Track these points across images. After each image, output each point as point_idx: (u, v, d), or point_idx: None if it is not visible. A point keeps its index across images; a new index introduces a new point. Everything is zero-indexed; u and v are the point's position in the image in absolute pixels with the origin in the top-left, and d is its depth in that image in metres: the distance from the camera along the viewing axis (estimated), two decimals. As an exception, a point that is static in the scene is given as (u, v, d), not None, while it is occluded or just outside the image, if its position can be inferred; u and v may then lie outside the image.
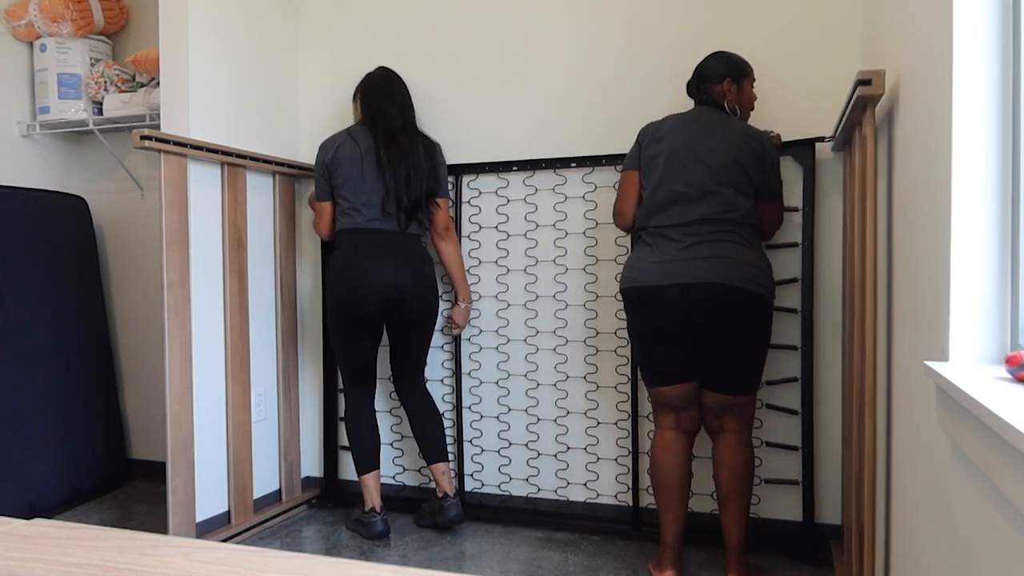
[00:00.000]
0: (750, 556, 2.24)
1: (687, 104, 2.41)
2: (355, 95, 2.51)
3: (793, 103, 2.30)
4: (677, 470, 2.01)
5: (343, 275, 2.32)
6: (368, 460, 2.45)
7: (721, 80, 2.06)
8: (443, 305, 2.70)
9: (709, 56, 2.10)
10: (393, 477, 2.80)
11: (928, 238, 1.21)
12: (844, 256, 2.26)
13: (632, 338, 2.05)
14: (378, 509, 2.43)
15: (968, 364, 1.04)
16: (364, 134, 2.38)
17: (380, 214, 2.34)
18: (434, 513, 2.49)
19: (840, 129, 1.93)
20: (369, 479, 2.44)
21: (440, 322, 2.70)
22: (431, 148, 2.43)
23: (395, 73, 2.50)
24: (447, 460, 2.46)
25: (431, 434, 2.46)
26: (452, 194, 2.67)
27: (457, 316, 2.54)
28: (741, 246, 1.91)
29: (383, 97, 2.43)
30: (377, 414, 2.80)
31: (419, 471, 2.77)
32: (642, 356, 2.02)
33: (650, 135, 2.06)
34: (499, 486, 2.66)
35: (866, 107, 1.64)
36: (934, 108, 1.18)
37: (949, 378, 0.91)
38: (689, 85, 2.13)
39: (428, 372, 2.73)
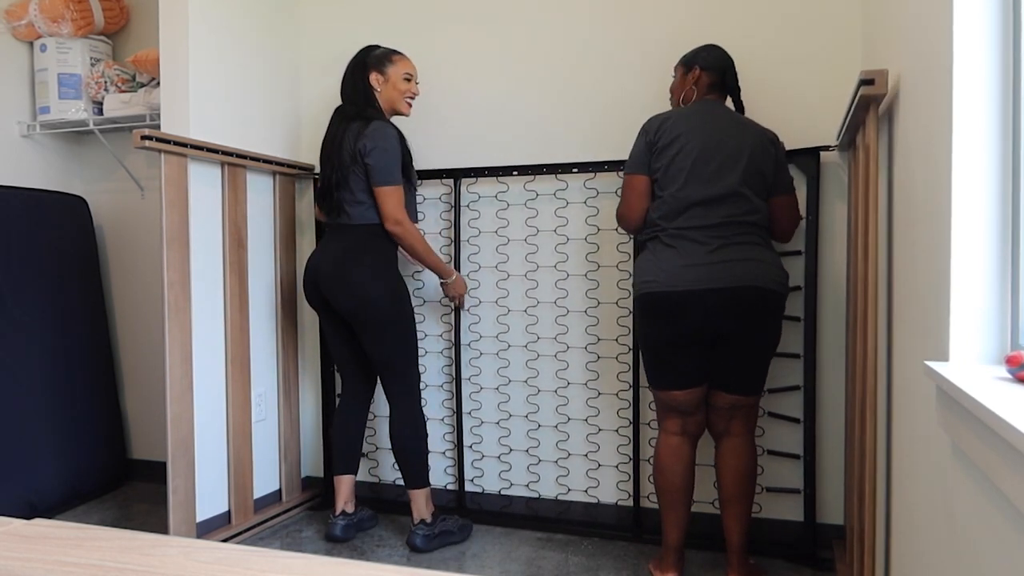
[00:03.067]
0: (751, 557, 2.24)
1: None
2: None
3: (793, 105, 2.30)
4: (683, 474, 1.99)
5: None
6: (340, 463, 2.42)
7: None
8: (441, 311, 2.69)
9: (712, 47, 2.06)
10: (394, 481, 2.80)
11: (928, 237, 1.21)
12: (848, 258, 2.26)
13: (647, 343, 1.97)
14: (336, 512, 2.41)
15: (968, 364, 1.04)
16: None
17: (320, 203, 2.35)
18: None
19: (844, 130, 1.92)
20: (339, 481, 2.42)
21: (439, 319, 2.70)
22: (374, 131, 2.22)
23: (362, 52, 2.38)
24: (416, 487, 2.33)
25: (399, 459, 2.34)
26: (451, 198, 2.67)
27: (446, 290, 2.46)
28: (763, 247, 1.91)
29: (344, 81, 2.38)
30: (377, 419, 2.80)
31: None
32: (656, 361, 1.96)
33: (656, 134, 1.97)
34: (499, 492, 2.66)
35: (869, 107, 1.64)
36: (934, 108, 1.18)
37: (949, 378, 0.91)
38: (713, 78, 2.04)
39: (428, 378, 2.72)
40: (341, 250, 2.27)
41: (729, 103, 2.14)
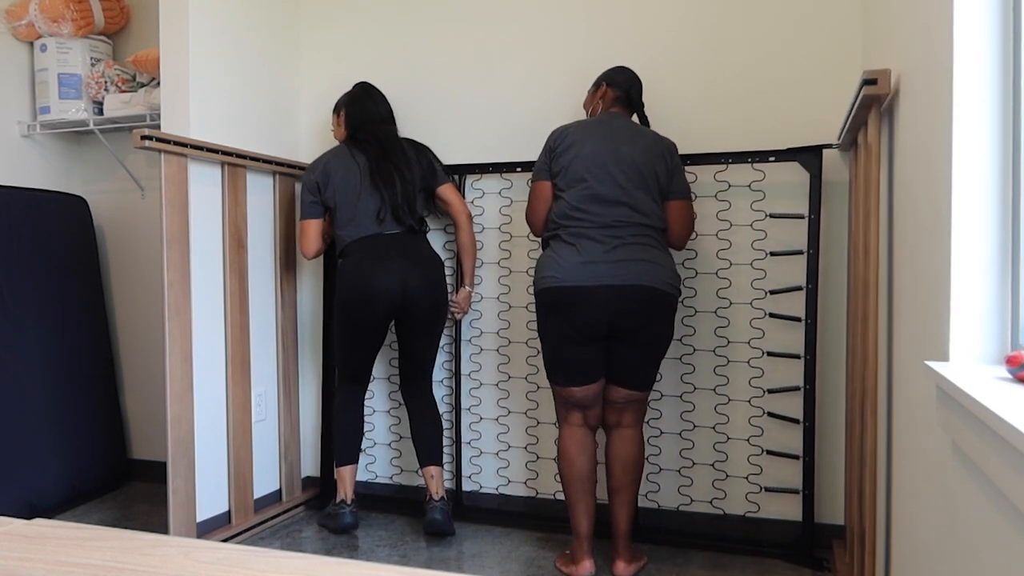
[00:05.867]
0: (633, 543, 2.24)
1: (685, 105, 2.41)
2: (336, 110, 2.56)
3: (793, 105, 2.30)
4: (588, 465, 2.11)
5: (352, 279, 2.34)
6: (349, 452, 2.48)
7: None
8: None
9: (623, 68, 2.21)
10: (390, 477, 2.80)
11: (929, 237, 1.21)
12: (849, 258, 2.26)
13: (547, 338, 2.07)
14: (348, 501, 2.45)
15: (968, 364, 1.04)
16: (357, 152, 2.44)
17: (379, 222, 2.37)
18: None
19: (846, 130, 1.92)
20: (346, 471, 2.47)
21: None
22: (421, 149, 2.49)
23: (375, 87, 2.56)
24: (440, 464, 2.44)
25: (427, 436, 2.44)
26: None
27: (463, 301, 2.56)
28: (657, 249, 2.02)
29: (369, 116, 2.49)
30: (376, 414, 2.80)
31: (416, 472, 2.77)
32: (558, 357, 2.06)
33: (556, 141, 2.10)
34: (497, 488, 2.66)
35: (871, 107, 1.64)
36: (935, 108, 1.18)
37: (949, 378, 0.91)
38: (618, 93, 2.19)
39: (428, 372, 2.73)
40: (426, 260, 2.39)
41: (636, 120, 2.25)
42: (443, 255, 2.70)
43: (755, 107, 2.33)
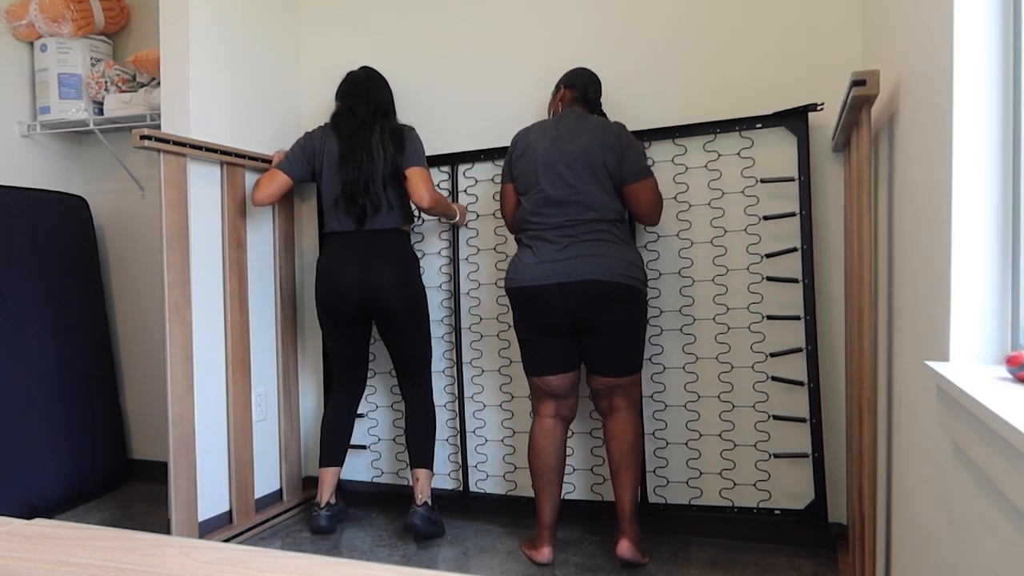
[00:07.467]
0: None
1: (681, 100, 2.41)
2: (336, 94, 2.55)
3: (793, 103, 2.30)
4: (555, 455, 2.19)
5: (320, 278, 2.40)
6: (327, 455, 2.49)
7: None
8: (441, 296, 2.70)
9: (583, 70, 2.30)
10: (396, 473, 2.80)
11: (929, 238, 1.21)
12: (846, 258, 2.26)
13: (518, 333, 2.20)
14: (322, 504, 2.45)
15: (968, 364, 1.04)
16: (331, 133, 2.42)
17: (344, 213, 2.36)
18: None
19: (839, 130, 1.93)
20: (323, 473, 2.47)
21: (442, 313, 2.70)
22: (397, 131, 2.38)
23: (374, 72, 2.52)
24: (425, 467, 2.42)
25: (414, 438, 2.44)
26: (448, 184, 2.68)
27: (461, 215, 2.58)
28: (611, 243, 2.08)
29: (354, 96, 2.45)
30: (379, 409, 2.81)
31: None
32: (528, 349, 2.19)
33: (513, 146, 2.23)
34: (504, 476, 2.66)
35: (862, 107, 1.64)
36: (935, 109, 1.18)
37: (949, 378, 0.91)
38: (576, 95, 2.27)
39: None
40: (387, 258, 2.35)
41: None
42: (439, 245, 2.70)
43: (752, 108, 2.33)
